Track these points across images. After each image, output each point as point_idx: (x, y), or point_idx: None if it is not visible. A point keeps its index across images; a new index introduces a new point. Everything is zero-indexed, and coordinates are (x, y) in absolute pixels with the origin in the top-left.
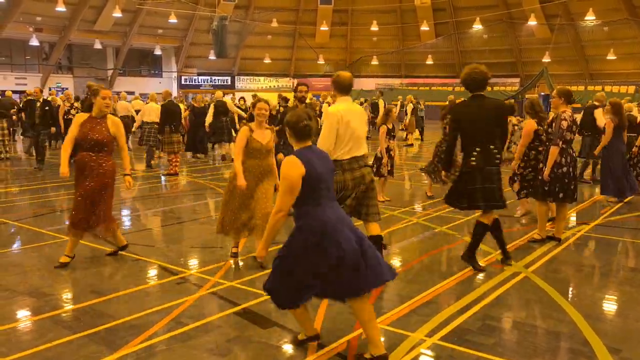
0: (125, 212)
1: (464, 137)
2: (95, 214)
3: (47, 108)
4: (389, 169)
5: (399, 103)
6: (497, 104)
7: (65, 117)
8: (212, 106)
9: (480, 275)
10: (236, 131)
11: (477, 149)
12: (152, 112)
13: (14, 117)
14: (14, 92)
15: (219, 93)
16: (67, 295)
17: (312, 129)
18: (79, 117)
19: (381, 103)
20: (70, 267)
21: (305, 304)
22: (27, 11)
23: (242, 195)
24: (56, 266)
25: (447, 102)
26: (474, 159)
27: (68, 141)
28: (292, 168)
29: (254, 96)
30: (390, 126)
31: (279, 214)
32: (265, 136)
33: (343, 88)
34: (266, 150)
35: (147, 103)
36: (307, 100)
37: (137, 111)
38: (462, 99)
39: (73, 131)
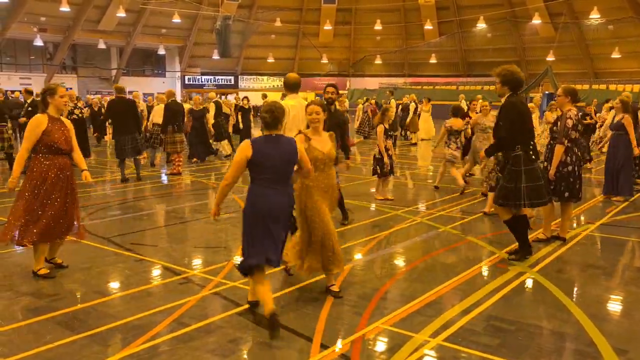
0: (128, 212)
1: (520, 133)
2: (70, 218)
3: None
4: (390, 168)
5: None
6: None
7: (69, 117)
8: (212, 104)
9: (485, 276)
10: (236, 130)
11: (531, 145)
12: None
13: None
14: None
15: (212, 94)
16: (69, 295)
17: (267, 120)
18: (41, 122)
19: (393, 103)
20: (72, 267)
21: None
22: (31, 11)
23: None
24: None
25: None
26: (532, 153)
27: (26, 151)
28: (241, 149)
29: (264, 96)
30: (387, 126)
31: (224, 182)
32: (325, 144)
33: (290, 87)
34: (329, 159)
35: (156, 104)
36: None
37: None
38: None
39: (32, 139)
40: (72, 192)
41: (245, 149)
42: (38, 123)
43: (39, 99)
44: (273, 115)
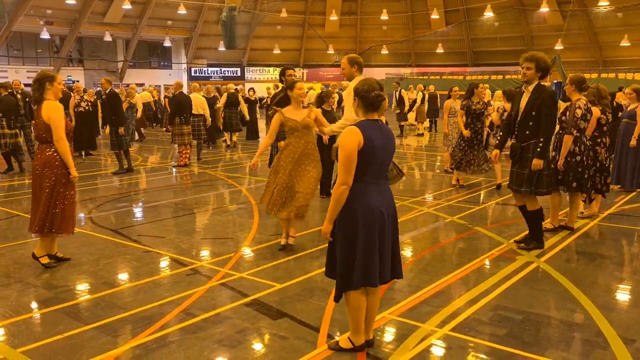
0: (135, 203)
1: (552, 123)
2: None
3: (27, 99)
4: None
5: (418, 92)
6: None
7: (76, 109)
8: (225, 95)
9: (492, 266)
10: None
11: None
12: (197, 105)
13: None
14: (26, 85)
15: (231, 85)
16: (78, 286)
17: (384, 100)
18: (61, 109)
19: (404, 93)
20: (80, 259)
21: None
22: (38, 4)
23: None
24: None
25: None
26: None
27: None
28: (349, 137)
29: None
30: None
31: (342, 187)
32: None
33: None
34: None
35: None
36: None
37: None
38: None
39: (64, 126)
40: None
41: (354, 134)
42: (62, 114)
43: (34, 86)
44: (379, 94)
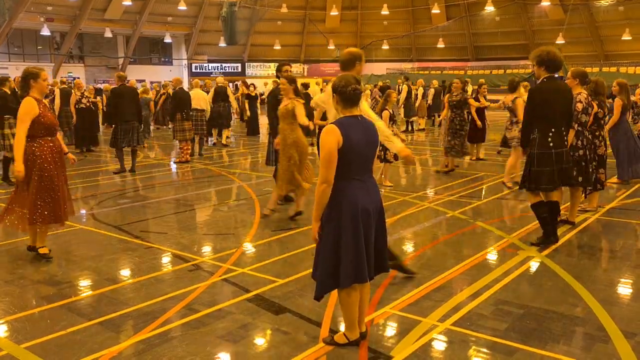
0: (137, 200)
1: (539, 118)
2: (70, 201)
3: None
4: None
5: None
6: None
7: (77, 106)
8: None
9: (493, 260)
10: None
11: (552, 130)
12: (199, 100)
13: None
14: None
15: (220, 79)
16: (80, 282)
17: (361, 94)
18: (35, 105)
19: (405, 89)
20: (82, 255)
21: None
22: (38, 1)
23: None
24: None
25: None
26: (550, 139)
27: (24, 135)
28: (328, 136)
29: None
30: (391, 111)
31: (323, 185)
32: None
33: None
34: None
35: (190, 90)
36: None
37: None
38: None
39: (28, 122)
40: (65, 174)
41: (333, 132)
42: (32, 106)
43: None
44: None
